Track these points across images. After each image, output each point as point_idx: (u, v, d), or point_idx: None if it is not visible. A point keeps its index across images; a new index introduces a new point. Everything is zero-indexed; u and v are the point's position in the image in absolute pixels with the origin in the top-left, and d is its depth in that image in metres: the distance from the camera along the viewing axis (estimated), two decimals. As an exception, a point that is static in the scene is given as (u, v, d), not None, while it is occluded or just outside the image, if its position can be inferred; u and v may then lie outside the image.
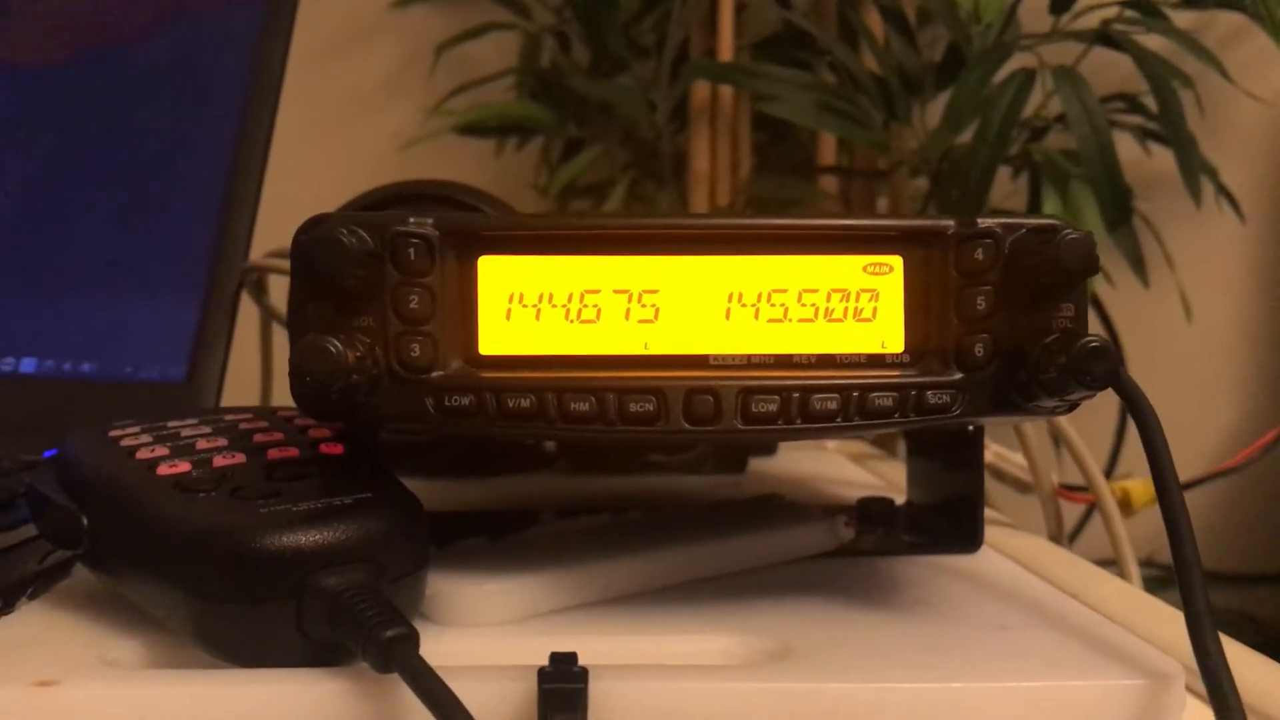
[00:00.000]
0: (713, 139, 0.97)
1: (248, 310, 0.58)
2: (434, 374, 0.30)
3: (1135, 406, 0.30)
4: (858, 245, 0.31)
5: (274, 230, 0.57)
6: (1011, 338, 0.30)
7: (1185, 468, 0.34)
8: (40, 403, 0.54)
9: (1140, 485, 0.64)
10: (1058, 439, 0.67)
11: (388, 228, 0.30)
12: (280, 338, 0.61)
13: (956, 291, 0.31)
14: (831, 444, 0.69)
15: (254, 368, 0.65)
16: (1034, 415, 0.32)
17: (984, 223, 0.31)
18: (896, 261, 0.31)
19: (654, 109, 0.97)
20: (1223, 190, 0.91)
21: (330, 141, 1.07)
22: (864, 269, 0.31)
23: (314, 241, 0.29)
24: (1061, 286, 0.30)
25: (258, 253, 0.58)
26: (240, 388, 0.58)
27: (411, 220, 0.30)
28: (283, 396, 0.58)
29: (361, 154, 1.07)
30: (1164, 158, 0.90)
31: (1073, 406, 0.31)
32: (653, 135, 0.99)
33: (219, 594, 0.28)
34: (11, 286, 0.56)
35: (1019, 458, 0.63)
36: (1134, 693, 0.28)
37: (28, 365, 0.54)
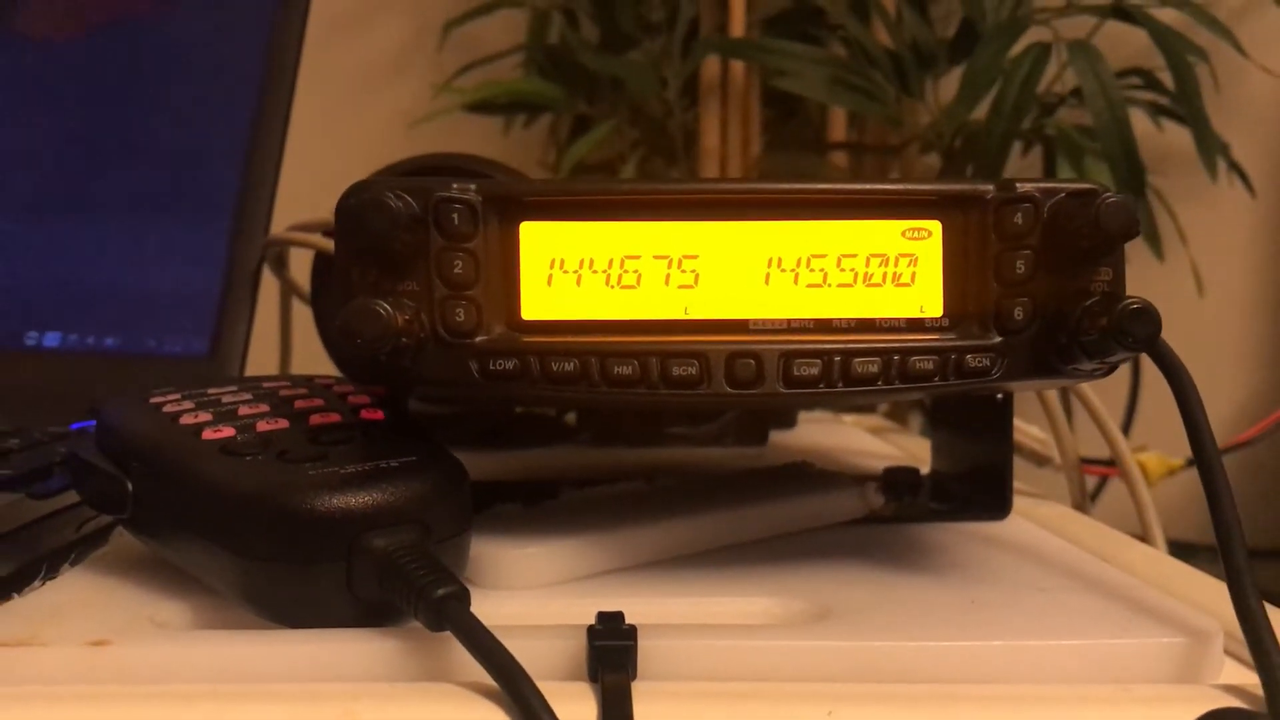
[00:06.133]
0: (723, 115, 0.97)
1: (267, 284, 0.58)
2: (478, 338, 0.30)
3: (1171, 370, 0.31)
4: (896, 210, 0.31)
5: (287, 206, 0.58)
6: (1051, 301, 0.31)
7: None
8: (64, 377, 0.54)
9: (1154, 459, 0.65)
10: (1071, 412, 0.67)
11: (432, 193, 0.30)
12: (300, 312, 0.61)
13: (996, 255, 0.31)
14: (849, 417, 0.69)
15: (273, 342, 0.66)
16: (1072, 379, 0.32)
17: (1023, 187, 0.31)
18: (935, 226, 0.31)
19: (664, 85, 0.97)
20: (1234, 166, 0.91)
21: (339, 120, 1.07)
22: (903, 234, 0.31)
23: (361, 205, 0.29)
24: (1101, 250, 0.30)
25: (277, 227, 0.58)
26: (260, 361, 0.58)
27: (455, 186, 0.30)
28: (301, 369, 0.58)
29: (370, 132, 1.07)
30: (1174, 132, 0.90)
31: (1111, 369, 0.31)
32: (663, 112, 0.99)
33: (269, 555, 0.28)
34: (35, 261, 0.56)
35: (1035, 430, 0.63)
36: (1174, 650, 0.28)
37: (51, 339, 0.54)
